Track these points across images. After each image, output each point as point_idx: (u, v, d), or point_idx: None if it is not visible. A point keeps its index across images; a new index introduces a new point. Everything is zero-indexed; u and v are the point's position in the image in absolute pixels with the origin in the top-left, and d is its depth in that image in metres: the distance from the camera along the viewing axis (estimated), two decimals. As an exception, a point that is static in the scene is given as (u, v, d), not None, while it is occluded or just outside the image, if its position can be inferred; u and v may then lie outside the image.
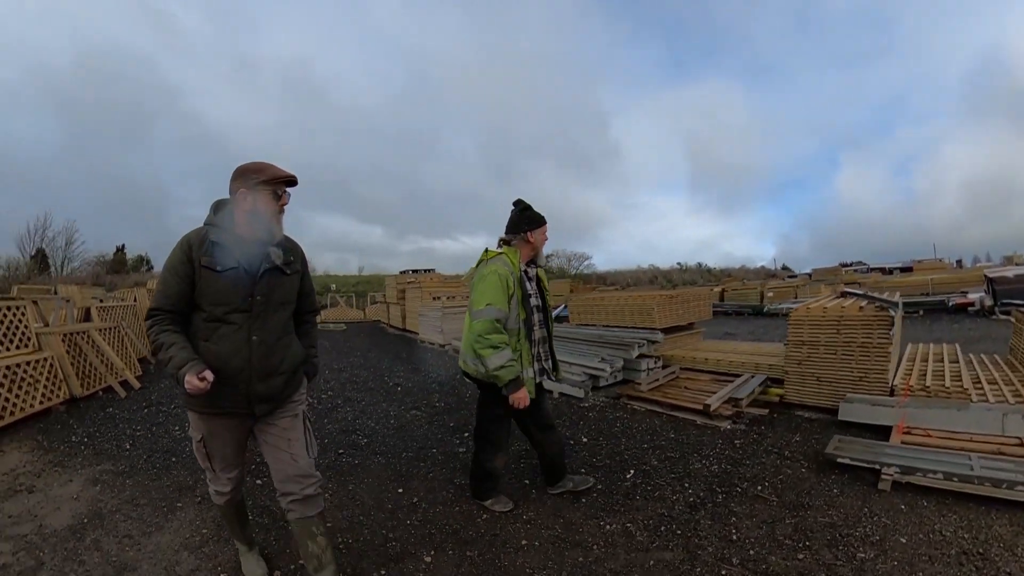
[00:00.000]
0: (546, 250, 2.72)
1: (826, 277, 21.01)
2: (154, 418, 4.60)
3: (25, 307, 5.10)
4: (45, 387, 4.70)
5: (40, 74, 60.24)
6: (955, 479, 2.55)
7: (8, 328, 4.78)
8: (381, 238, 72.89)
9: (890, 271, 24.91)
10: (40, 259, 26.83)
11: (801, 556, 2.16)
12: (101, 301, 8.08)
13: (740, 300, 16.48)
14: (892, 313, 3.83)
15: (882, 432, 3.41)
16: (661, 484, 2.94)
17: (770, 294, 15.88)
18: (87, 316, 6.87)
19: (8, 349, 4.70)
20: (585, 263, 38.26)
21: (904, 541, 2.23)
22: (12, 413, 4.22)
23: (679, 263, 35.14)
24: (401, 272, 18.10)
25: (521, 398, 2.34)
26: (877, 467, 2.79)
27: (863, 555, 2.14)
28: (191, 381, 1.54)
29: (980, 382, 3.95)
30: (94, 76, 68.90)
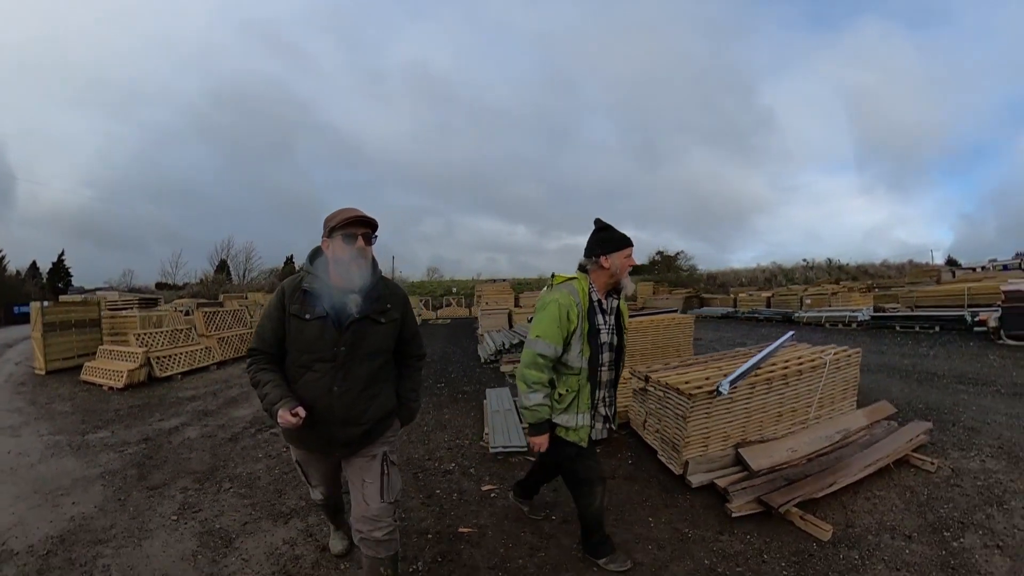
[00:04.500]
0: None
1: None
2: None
3: (247, 307, 10.09)
4: (257, 347, 9.55)
5: (186, 112, 74.50)
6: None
7: (241, 318, 9.71)
8: (525, 236, 71.13)
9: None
10: (225, 271, 36.06)
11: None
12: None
13: (783, 307, 16.01)
14: None
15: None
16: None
17: (808, 301, 15.36)
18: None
19: (242, 327, 9.61)
20: (688, 262, 37.57)
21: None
22: (245, 357, 9.05)
23: (804, 260, 31.62)
24: (482, 282, 22.65)
25: (538, 443, 2.05)
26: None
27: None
28: (283, 416, 1.55)
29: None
30: (230, 104, 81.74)
